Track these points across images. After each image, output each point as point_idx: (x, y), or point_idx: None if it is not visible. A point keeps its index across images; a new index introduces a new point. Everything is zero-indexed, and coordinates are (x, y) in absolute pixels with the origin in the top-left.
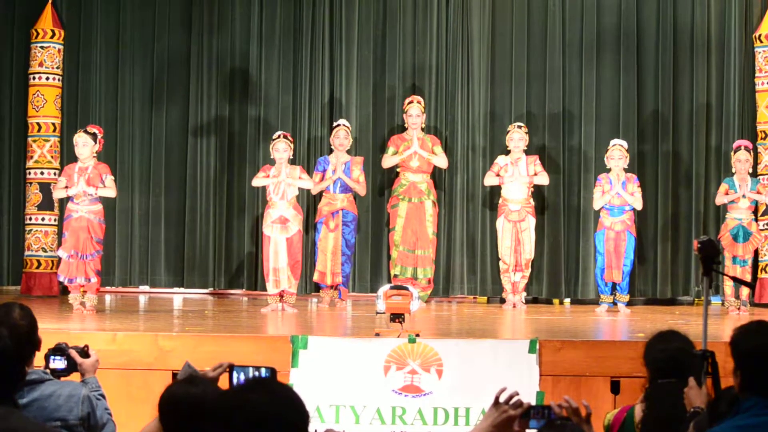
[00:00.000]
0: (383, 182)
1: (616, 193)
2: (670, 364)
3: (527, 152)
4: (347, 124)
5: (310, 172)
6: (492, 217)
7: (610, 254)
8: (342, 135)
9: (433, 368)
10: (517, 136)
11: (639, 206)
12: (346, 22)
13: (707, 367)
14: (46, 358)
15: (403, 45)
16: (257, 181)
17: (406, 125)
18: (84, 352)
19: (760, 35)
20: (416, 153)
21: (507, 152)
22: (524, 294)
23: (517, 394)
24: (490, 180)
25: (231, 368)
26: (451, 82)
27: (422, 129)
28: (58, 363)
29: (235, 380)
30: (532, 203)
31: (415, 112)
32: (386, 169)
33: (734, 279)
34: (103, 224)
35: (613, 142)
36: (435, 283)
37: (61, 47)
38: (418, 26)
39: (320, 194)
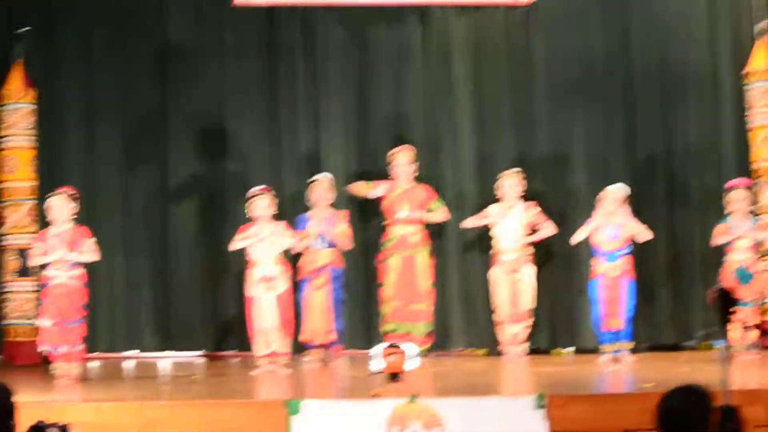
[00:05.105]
0: (373, 235)
1: (613, 236)
2: (686, 420)
3: (525, 198)
4: (328, 177)
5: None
6: (487, 266)
7: (607, 302)
8: (322, 189)
9: (436, 429)
10: (507, 183)
11: (648, 234)
12: (323, 74)
13: (729, 425)
14: None
15: (385, 95)
16: (236, 244)
17: (392, 178)
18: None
19: (747, 72)
20: (402, 200)
21: (497, 200)
22: (526, 345)
23: None
24: (470, 222)
25: None
26: (435, 131)
27: (415, 179)
28: None
29: None
30: (530, 251)
31: (402, 160)
32: (351, 192)
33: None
34: (87, 288)
35: (610, 188)
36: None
37: (34, 107)
38: (399, 75)
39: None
